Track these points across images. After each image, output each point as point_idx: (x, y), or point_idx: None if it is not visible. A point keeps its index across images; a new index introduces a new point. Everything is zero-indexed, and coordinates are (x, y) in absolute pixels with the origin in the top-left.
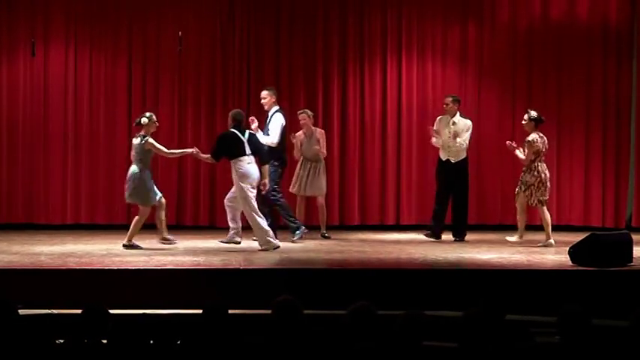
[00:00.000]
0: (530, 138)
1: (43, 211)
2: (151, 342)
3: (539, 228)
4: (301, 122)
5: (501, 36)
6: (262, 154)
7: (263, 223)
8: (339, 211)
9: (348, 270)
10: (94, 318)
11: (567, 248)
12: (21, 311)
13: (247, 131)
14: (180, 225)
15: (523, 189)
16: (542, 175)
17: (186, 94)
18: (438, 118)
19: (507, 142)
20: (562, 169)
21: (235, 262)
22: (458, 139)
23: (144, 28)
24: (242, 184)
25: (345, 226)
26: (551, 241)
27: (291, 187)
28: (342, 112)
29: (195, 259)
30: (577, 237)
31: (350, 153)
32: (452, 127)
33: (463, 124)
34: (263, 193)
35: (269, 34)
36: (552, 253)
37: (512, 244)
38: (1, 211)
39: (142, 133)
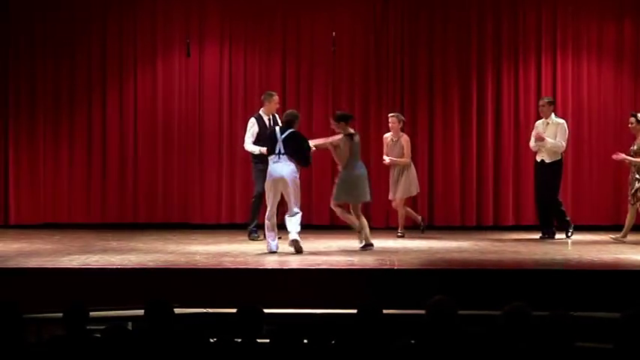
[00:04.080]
0: None
1: (198, 210)
2: (306, 341)
3: None
4: (390, 125)
5: None
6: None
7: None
8: (493, 211)
9: (503, 270)
10: (249, 317)
11: None
12: (177, 310)
13: (290, 130)
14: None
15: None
16: None
17: (340, 93)
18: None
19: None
20: None
21: (389, 262)
22: (551, 140)
23: (298, 27)
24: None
25: (500, 227)
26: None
27: (390, 194)
28: (496, 110)
29: (349, 258)
30: None
31: (504, 152)
32: (547, 127)
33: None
34: None
35: (423, 34)
36: None
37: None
38: (157, 210)
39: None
